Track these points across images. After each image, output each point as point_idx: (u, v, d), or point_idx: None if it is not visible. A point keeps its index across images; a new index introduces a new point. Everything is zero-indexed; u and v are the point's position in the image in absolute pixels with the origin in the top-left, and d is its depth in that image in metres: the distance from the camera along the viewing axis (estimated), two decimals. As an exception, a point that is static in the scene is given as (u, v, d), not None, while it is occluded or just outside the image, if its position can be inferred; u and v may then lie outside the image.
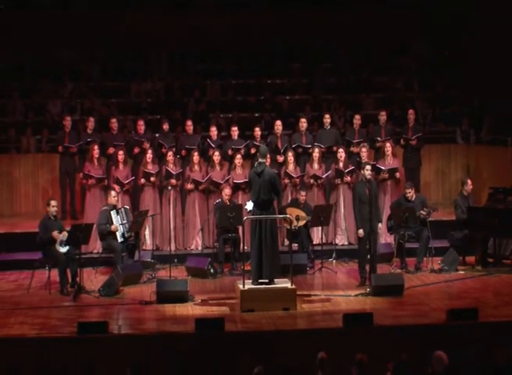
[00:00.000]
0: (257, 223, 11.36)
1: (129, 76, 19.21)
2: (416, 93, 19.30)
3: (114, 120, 15.31)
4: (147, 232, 14.07)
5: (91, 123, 15.27)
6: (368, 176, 12.20)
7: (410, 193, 13.44)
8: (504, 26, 17.64)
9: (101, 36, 19.05)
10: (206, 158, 14.71)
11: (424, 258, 13.24)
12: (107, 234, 12.76)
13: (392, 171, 14.29)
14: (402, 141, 15.47)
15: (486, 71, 18.25)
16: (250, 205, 11.79)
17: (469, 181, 13.70)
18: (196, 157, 14.23)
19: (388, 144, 14.50)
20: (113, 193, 13.06)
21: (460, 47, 19.35)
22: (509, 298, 11.53)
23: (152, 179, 14.07)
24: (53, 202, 12.29)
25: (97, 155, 14.23)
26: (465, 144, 17.81)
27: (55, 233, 12.02)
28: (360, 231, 12.18)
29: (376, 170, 14.07)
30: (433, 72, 19.71)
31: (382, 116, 15.34)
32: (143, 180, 14.12)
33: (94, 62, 19.62)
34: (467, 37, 18.98)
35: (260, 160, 11.55)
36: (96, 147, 14.25)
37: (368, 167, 12.26)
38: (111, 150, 14.74)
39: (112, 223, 12.75)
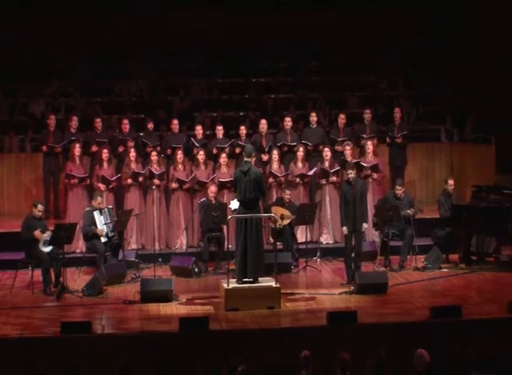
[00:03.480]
0: (242, 222, 11.37)
1: (114, 75, 19.16)
2: (400, 91, 19.34)
3: (98, 120, 15.29)
4: (133, 231, 14.03)
5: (75, 122, 15.23)
6: (351, 178, 12.24)
7: (401, 190, 13.48)
8: (488, 26, 17.70)
9: (86, 35, 18.99)
10: (190, 157, 14.70)
11: (408, 256, 13.29)
12: (92, 235, 12.74)
13: (374, 168, 14.32)
14: (388, 139, 15.52)
15: (470, 70, 18.31)
16: (234, 204, 11.80)
17: (450, 181, 13.74)
18: (180, 156, 14.21)
19: (369, 143, 14.55)
20: (99, 199, 12.95)
21: (444, 47, 19.39)
22: (492, 296, 11.59)
23: (140, 179, 14.04)
24: (40, 207, 12.18)
25: (78, 154, 14.18)
26: (449, 143, 17.86)
27: (37, 233, 11.96)
28: (344, 228, 12.26)
29: (360, 167, 14.11)
30: (417, 71, 19.75)
31: (367, 114, 15.39)
32: (129, 181, 14.07)
33: (78, 61, 19.53)
34: (451, 37, 19.01)
35: (245, 159, 11.58)
36: (78, 146, 14.20)
37: (350, 170, 12.30)
38: (94, 148, 14.74)
39: (96, 224, 12.73)
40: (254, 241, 11.37)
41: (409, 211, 13.25)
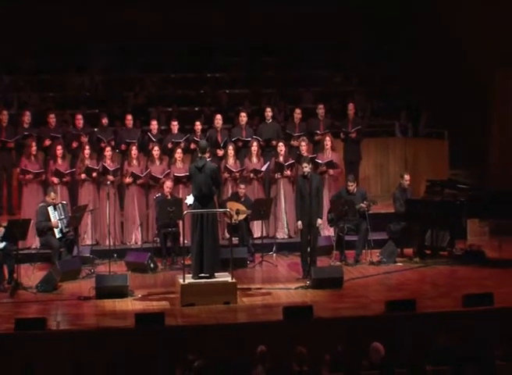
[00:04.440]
0: (197, 218, 11.36)
1: (68, 70, 18.97)
2: (355, 87, 19.43)
3: (52, 116, 15.13)
4: (88, 227, 13.92)
5: (27, 117, 15.06)
6: (306, 172, 12.27)
7: (352, 186, 13.57)
8: (441, 23, 17.88)
9: (39, 29, 18.76)
10: (145, 152, 14.63)
11: (363, 251, 13.39)
12: (46, 230, 12.62)
13: (329, 164, 14.39)
14: (342, 134, 15.59)
15: (423, 66, 18.48)
16: (190, 200, 11.79)
17: (406, 176, 13.87)
18: (134, 151, 14.14)
19: (327, 138, 14.61)
20: (53, 195, 12.88)
21: (398, 43, 19.53)
22: (445, 289, 11.72)
23: (94, 174, 13.94)
24: None
25: (34, 152, 14.03)
26: (403, 138, 18.00)
27: (-4, 231, 11.87)
28: (299, 223, 12.28)
29: (315, 164, 14.16)
30: (371, 66, 19.86)
31: (320, 110, 15.45)
32: (83, 175, 13.96)
33: (31, 55, 19.30)
34: (405, 33, 19.16)
35: (200, 155, 11.56)
36: (33, 143, 14.05)
37: (305, 164, 12.33)
38: (47, 142, 14.60)
39: (50, 219, 12.62)
40: (210, 236, 11.36)
41: (362, 204, 13.34)
